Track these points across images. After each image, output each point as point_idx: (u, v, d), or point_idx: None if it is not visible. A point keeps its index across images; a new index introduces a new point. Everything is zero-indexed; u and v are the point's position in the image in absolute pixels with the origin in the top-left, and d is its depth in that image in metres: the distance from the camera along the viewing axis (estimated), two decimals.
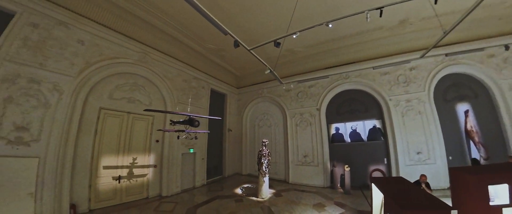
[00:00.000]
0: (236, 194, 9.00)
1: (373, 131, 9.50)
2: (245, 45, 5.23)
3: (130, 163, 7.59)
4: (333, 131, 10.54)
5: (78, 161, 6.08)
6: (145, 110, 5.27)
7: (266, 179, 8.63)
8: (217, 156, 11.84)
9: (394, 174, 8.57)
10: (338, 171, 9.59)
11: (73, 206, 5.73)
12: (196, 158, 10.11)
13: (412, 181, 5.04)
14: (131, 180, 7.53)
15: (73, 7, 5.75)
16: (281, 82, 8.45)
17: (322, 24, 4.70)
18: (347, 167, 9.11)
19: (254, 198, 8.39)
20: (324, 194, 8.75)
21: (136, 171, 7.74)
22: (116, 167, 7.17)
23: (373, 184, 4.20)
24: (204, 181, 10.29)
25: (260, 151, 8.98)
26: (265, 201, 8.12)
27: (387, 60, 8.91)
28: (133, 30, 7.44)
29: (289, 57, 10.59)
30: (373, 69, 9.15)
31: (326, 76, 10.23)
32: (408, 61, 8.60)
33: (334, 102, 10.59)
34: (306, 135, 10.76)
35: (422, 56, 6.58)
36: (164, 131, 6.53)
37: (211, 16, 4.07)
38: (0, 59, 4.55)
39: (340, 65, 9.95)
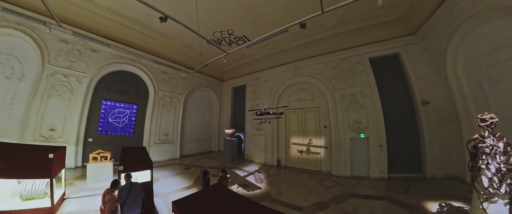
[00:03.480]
0: (425, 210, 5.49)
1: None
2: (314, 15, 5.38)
3: (307, 143, 10.98)
4: None
5: (280, 138, 11.79)
6: (249, 110, 9.25)
7: (499, 207, 3.76)
8: (409, 143, 7.89)
9: None
10: None
11: (278, 160, 11.45)
12: (370, 144, 8.91)
13: None
14: (309, 155, 10.81)
15: (258, 68, 12.56)
16: None
17: None
18: None
19: None
20: None
21: (312, 149, 10.78)
22: (299, 144, 11.24)
23: None
24: (383, 174, 8.28)
25: (476, 139, 4.09)
26: None
27: None
28: (283, 59, 11.70)
29: None
30: None
31: None
32: None
33: None
34: None
35: None
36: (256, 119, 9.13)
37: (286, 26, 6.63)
38: (247, 100, 12.93)
39: None
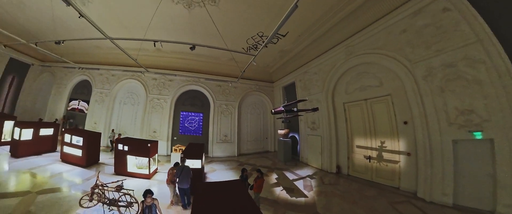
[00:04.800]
0: None
1: None
2: None
3: (378, 146, 7.92)
4: None
5: (340, 139, 9.38)
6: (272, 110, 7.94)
7: None
8: None
9: None
10: None
11: (338, 167, 9.11)
12: (496, 151, 4.88)
13: None
14: (381, 163, 7.72)
15: (304, 60, 10.88)
16: None
17: None
18: None
19: None
20: None
21: (385, 155, 7.63)
22: (366, 148, 8.33)
23: None
24: None
25: None
26: None
27: None
28: (329, 42, 9.31)
29: None
30: None
31: None
32: None
33: None
34: None
35: None
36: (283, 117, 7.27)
37: None
38: (299, 98, 11.53)
39: None
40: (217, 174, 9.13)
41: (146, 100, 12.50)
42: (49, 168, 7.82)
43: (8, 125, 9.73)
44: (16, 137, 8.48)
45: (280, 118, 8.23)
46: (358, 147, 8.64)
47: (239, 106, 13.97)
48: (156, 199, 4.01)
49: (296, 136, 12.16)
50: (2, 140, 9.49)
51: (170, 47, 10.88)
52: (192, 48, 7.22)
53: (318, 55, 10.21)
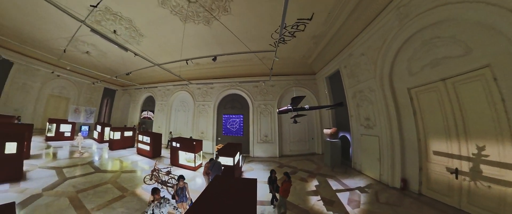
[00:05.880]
0: None
1: None
2: None
3: (472, 154, 4.95)
4: None
5: (406, 141, 6.67)
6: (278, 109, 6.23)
7: None
8: None
9: None
10: None
11: (404, 180, 6.44)
12: None
13: None
14: (477, 182, 4.78)
15: (345, 41, 8.49)
16: None
17: None
18: None
19: None
20: None
21: (486, 170, 4.67)
22: (450, 156, 5.41)
23: None
24: None
25: None
26: None
27: None
28: (371, 10, 6.77)
29: None
30: None
31: None
32: None
33: None
34: None
35: None
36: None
37: None
38: (347, 88, 9.13)
39: None
40: (254, 173, 9.21)
41: (194, 107, 14.66)
42: (130, 157, 11.03)
43: (107, 130, 14.29)
44: (111, 137, 12.43)
45: (292, 117, 6.83)
46: (437, 153, 5.76)
47: (279, 104, 13.10)
48: (186, 183, 4.98)
49: (348, 136, 9.73)
50: (104, 139, 14.18)
51: (205, 59, 11.95)
52: (214, 59, 7.88)
53: (361, 30, 7.69)
